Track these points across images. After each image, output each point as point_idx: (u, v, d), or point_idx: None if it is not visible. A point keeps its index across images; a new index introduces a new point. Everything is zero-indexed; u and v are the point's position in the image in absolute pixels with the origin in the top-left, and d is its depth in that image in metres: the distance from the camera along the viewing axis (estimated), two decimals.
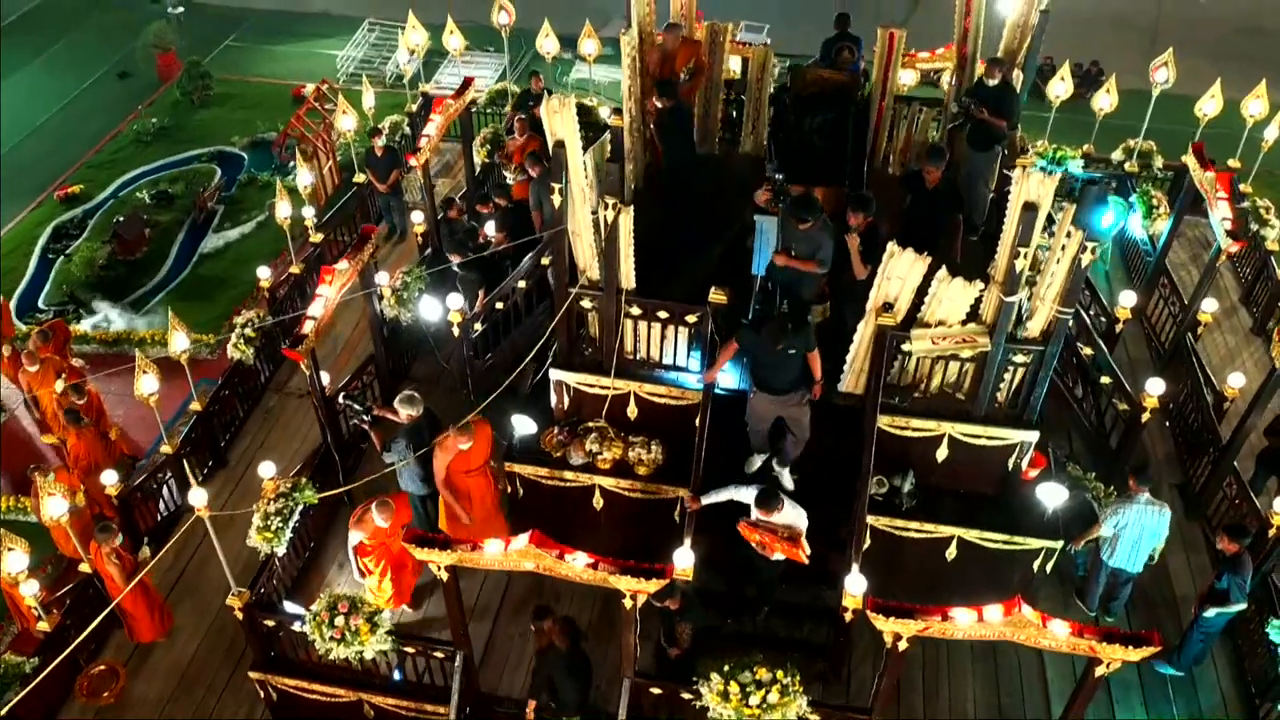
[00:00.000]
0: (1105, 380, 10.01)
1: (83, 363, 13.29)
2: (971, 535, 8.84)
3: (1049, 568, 8.99)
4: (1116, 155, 14.71)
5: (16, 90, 21.72)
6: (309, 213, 13.19)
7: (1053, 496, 8.66)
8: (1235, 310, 13.86)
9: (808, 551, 7.92)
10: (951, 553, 8.99)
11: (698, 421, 8.61)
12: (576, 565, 7.13)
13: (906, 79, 13.06)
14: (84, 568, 9.58)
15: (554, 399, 9.31)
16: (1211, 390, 11.08)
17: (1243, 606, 8.38)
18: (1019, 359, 8.24)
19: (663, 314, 8.56)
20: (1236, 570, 8.21)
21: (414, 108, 15.43)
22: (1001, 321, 7.91)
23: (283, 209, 12.13)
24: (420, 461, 9.01)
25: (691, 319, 8.52)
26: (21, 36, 23.64)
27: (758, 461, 9.09)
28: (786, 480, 8.93)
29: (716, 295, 8.35)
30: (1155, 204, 12.80)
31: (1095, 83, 21.72)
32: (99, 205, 18.01)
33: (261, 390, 12.49)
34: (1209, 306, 12.02)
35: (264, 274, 12.62)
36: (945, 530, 8.84)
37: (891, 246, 7.85)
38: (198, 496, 7.55)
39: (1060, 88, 14.31)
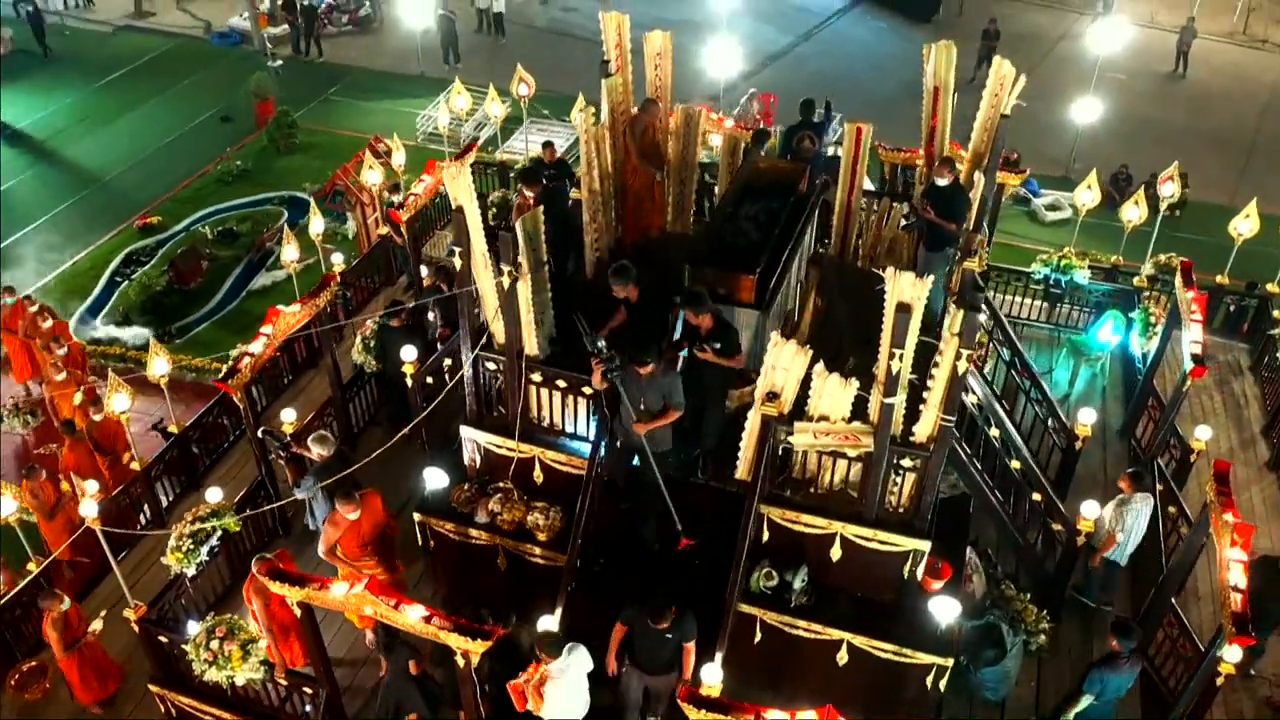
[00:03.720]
0: (1036, 497, 9.61)
1: (94, 379, 14.21)
2: (860, 641, 8.58)
3: (942, 684, 8.62)
4: (1146, 269, 14.20)
5: (130, 125, 23.75)
6: (338, 259, 13.93)
7: (945, 611, 8.36)
8: (1255, 442, 13.07)
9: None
10: (842, 657, 8.72)
11: (579, 504, 8.63)
12: (410, 617, 7.29)
13: None
14: (30, 566, 10.22)
15: (466, 456, 9.53)
16: (1186, 521, 10.49)
17: (1090, 701, 8.16)
18: (906, 463, 8.06)
19: (561, 383, 8.72)
20: (1104, 668, 8.13)
21: None
22: (883, 423, 7.77)
23: (289, 253, 12.88)
24: (330, 499, 9.30)
25: (589, 390, 8.65)
26: (147, 77, 25.88)
27: None
28: None
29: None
30: (1153, 321, 12.26)
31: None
32: (170, 236, 19.44)
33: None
34: (1203, 434, 11.42)
35: None
36: (833, 633, 8.61)
37: (775, 336, 7.85)
38: (88, 508, 8.05)
39: (1087, 196, 13.96)
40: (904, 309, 7.24)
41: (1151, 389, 11.65)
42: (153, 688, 9.25)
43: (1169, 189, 13.03)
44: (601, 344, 7.97)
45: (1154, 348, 11.75)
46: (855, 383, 7.71)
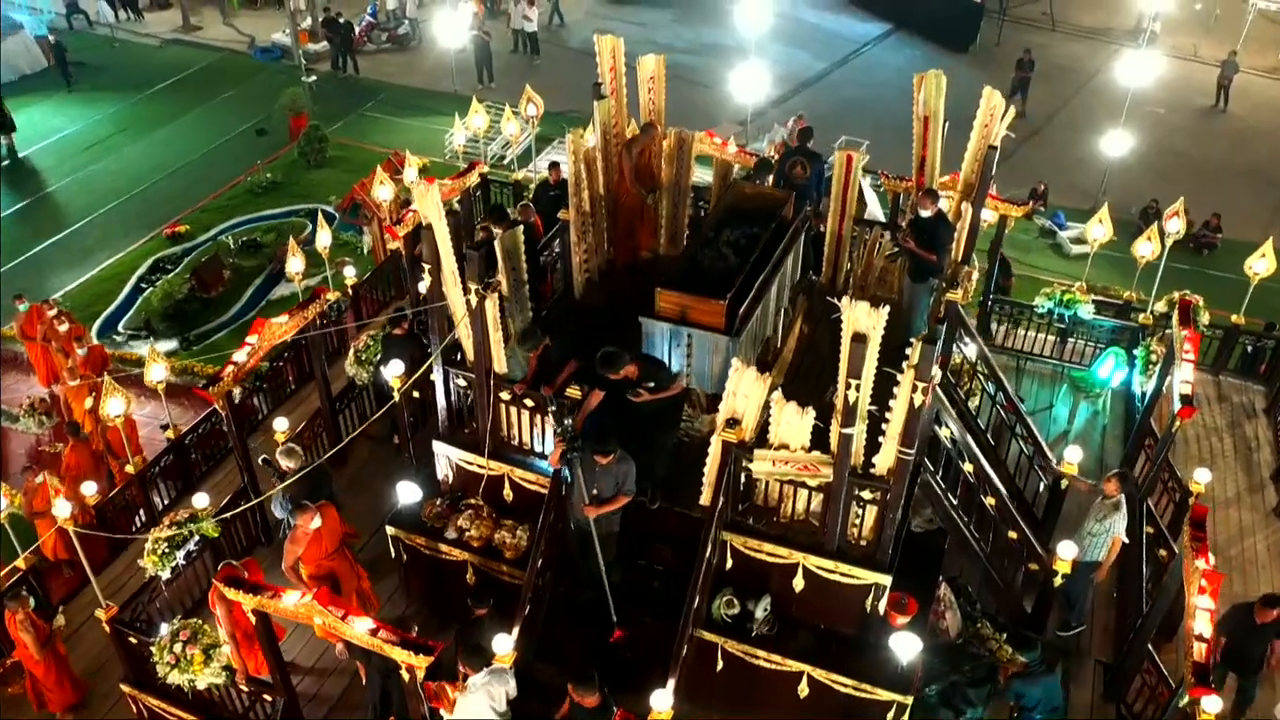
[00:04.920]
0: (1012, 535, 9.43)
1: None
2: (820, 674, 8.47)
3: None
4: (1159, 306, 13.91)
5: (170, 135, 24.38)
6: (351, 272, 14.15)
7: (906, 648, 8.22)
8: (1264, 486, 12.72)
9: None
10: (804, 689, 8.62)
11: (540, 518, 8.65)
12: (357, 629, 7.34)
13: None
14: (19, 564, 10.44)
15: (440, 471, 9.60)
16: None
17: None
18: (866, 495, 7.97)
19: (529, 403, 8.76)
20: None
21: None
22: (841, 453, 7.70)
23: (294, 264, 13.11)
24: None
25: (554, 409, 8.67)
26: (190, 89, 26.54)
27: None
28: None
29: (573, 390, 8.49)
30: (1154, 359, 12.00)
31: (1207, 237, 20.63)
32: (196, 245, 19.83)
33: (254, 428, 13.31)
34: (1202, 477, 11.13)
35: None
36: (793, 664, 8.51)
37: (736, 362, 7.82)
38: (62, 508, 8.23)
39: (1099, 230, 13.74)
40: (859, 339, 7.18)
41: (1149, 428, 11.39)
42: (124, 688, 9.40)
43: (1175, 225, 12.77)
44: (568, 423, 8.08)
45: (1150, 387, 11.50)
46: (812, 412, 7.65)
